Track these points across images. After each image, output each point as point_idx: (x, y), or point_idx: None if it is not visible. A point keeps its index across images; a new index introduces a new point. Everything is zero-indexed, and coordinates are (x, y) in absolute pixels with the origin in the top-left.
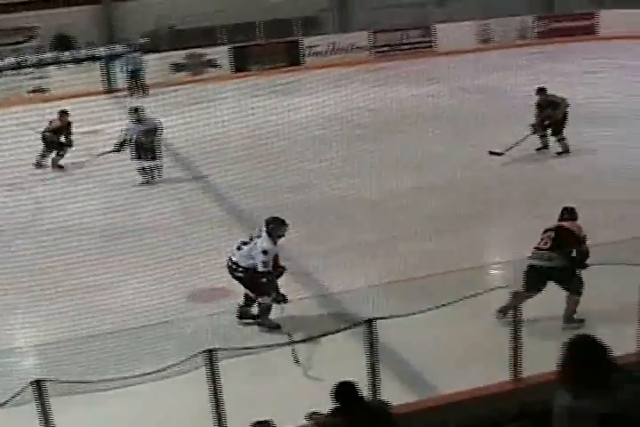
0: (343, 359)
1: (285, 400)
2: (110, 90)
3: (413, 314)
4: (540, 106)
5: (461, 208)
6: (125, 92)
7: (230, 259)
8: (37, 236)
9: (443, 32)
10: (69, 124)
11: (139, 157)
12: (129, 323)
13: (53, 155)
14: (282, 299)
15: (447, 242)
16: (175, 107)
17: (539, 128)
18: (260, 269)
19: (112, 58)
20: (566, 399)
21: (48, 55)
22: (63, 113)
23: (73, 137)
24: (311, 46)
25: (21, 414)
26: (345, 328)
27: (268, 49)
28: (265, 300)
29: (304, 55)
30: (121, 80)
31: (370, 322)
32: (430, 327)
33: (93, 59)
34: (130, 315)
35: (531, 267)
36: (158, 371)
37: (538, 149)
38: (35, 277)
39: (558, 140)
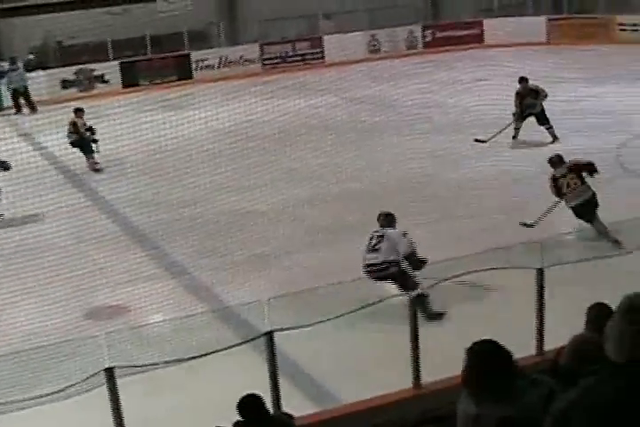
0: (245, 372)
1: (189, 416)
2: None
3: (312, 325)
4: (519, 94)
5: (351, 218)
6: (13, 111)
7: (369, 264)
8: None
9: (332, 43)
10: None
11: None
12: (24, 344)
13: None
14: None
15: (339, 252)
16: (65, 124)
17: (519, 117)
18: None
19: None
20: (470, 405)
21: None
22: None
23: None
24: (201, 60)
25: None
26: (245, 341)
27: (157, 63)
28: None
29: (194, 69)
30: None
31: (269, 334)
32: (330, 338)
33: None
34: (24, 336)
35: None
36: (58, 391)
37: (514, 137)
38: None
39: (548, 129)
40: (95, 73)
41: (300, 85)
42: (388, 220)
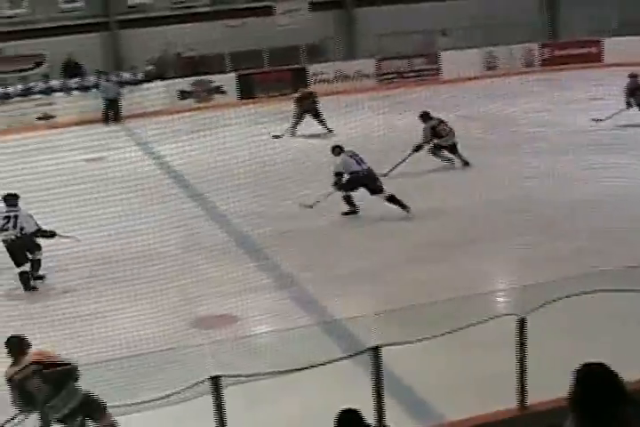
0: (348, 387)
1: None
2: (119, 117)
3: (419, 341)
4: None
5: (455, 235)
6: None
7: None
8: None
9: (448, 59)
10: None
11: None
12: (131, 351)
13: None
14: None
15: (443, 269)
16: (182, 133)
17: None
18: None
19: (94, 87)
20: None
21: (55, 82)
22: None
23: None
24: (317, 73)
25: None
26: (350, 355)
27: (274, 76)
28: None
29: (310, 82)
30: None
31: (375, 349)
32: (435, 355)
33: (98, 86)
34: (132, 343)
35: None
36: (162, 398)
37: None
38: (35, 304)
39: None
40: (213, 84)
41: (415, 101)
42: None
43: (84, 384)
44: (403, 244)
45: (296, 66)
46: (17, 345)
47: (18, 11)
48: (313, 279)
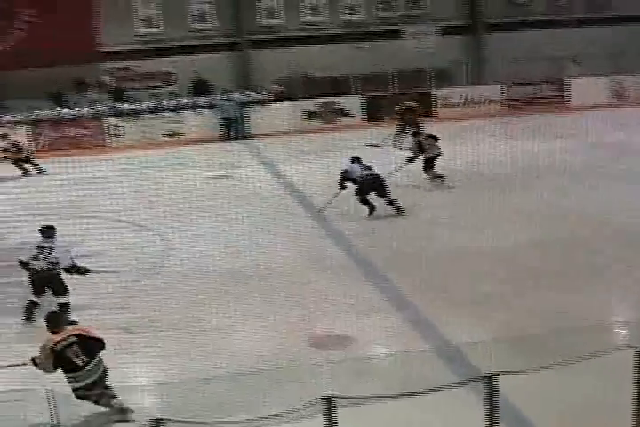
0: (460, 414)
1: None
2: (244, 136)
3: (536, 370)
4: None
5: (583, 264)
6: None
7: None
8: (163, 277)
9: (576, 87)
10: None
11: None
12: (247, 366)
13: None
14: None
15: (563, 298)
16: (307, 154)
17: None
18: None
19: (211, 106)
20: None
21: (184, 100)
22: None
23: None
24: (444, 98)
25: None
26: (465, 382)
27: (400, 99)
28: None
29: (437, 106)
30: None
31: (490, 377)
32: (552, 384)
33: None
34: (248, 358)
35: None
36: (276, 416)
37: None
38: (157, 317)
39: None
40: (338, 106)
41: (541, 128)
42: None
43: (203, 397)
44: (523, 271)
45: (422, 89)
46: (57, 319)
47: (151, 30)
48: (431, 302)
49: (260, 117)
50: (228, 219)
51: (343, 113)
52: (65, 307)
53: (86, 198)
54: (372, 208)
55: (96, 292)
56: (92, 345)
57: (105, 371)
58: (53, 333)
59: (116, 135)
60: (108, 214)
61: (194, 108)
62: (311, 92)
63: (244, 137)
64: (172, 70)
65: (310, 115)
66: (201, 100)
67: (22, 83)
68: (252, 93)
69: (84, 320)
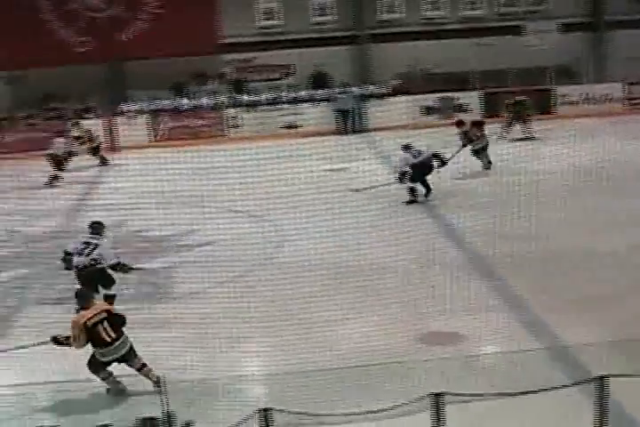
0: (569, 415)
1: None
2: (361, 129)
3: None
4: None
5: None
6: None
7: None
8: (276, 268)
9: None
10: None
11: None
12: (355, 360)
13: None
14: None
15: None
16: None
17: None
18: None
19: (329, 99)
20: None
21: (302, 93)
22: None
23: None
24: (564, 95)
25: None
26: (576, 383)
27: (519, 96)
28: None
29: (556, 104)
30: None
31: (602, 379)
32: None
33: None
34: (356, 352)
35: None
36: (384, 410)
37: None
38: (269, 308)
39: None
40: (457, 101)
41: None
42: None
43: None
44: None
45: (542, 87)
46: (86, 296)
47: (272, 22)
48: (544, 302)
49: (377, 111)
50: (341, 212)
51: (461, 109)
52: (111, 298)
53: (204, 188)
54: (414, 201)
55: (214, 281)
56: (118, 321)
57: (131, 346)
58: (83, 308)
59: (234, 126)
60: (225, 204)
61: (312, 100)
62: (429, 87)
63: (361, 130)
64: (291, 63)
65: (428, 110)
66: (319, 92)
67: (144, 73)
68: (371, 87)
69: (200, 308)
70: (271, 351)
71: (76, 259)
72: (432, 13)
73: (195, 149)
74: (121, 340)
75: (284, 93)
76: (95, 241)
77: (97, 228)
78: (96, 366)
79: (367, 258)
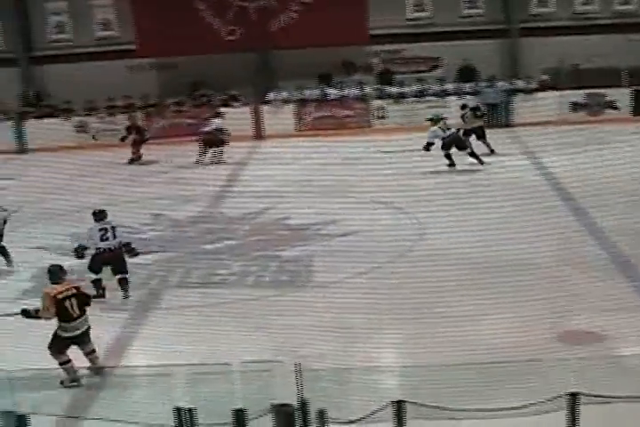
0: None
1: None
2: (507, 124)
3: None
4: None
5: None
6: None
7: None
8: (412, 261)
9: None
10: None
11: None
12: (489, 356)
13: None
14: None
15: None
16: (571, 146)
17: None
18: None
19: (475, 93)
20: None
21: (449, 86)
22: None
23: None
24: None
25: None
26: None
27: None
28: None
29: None
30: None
31: None
32: None
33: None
34: (491, 348)
35: None
36: (518, 408)
37: None
38: (405, 300)
39: None
40: (606, 98)
41: None
42: None
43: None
44: None
45: None
46: (58, 272)
47: (421, 14)
48: None
49: (524, 106)
50: (483, 207)
51: (610, 106)
52: (124, 283)
53: (348, 178)
54: (451, 163)
55: (353, 271)
56: (84, 300)
57: (89, 327)
58: (55, 283)
59: (380, 117)
60: (368, 195)
61: (459, 93)
62: (579, 83)
63: (507, 125)
64: (439, 55)
65: (576, 106)
66: (467, 86)
67: (292, 63)
68: (519, 82)
69: (338, 298)
70: (406, 344)
71: (104, 245)
72: (583, 8)
73: (340, 139)
74: (83, 318)
75: (430, 86)
76: (109, 225)
77: (100, 215)
78: (57, 345)
79: (506, 254)
